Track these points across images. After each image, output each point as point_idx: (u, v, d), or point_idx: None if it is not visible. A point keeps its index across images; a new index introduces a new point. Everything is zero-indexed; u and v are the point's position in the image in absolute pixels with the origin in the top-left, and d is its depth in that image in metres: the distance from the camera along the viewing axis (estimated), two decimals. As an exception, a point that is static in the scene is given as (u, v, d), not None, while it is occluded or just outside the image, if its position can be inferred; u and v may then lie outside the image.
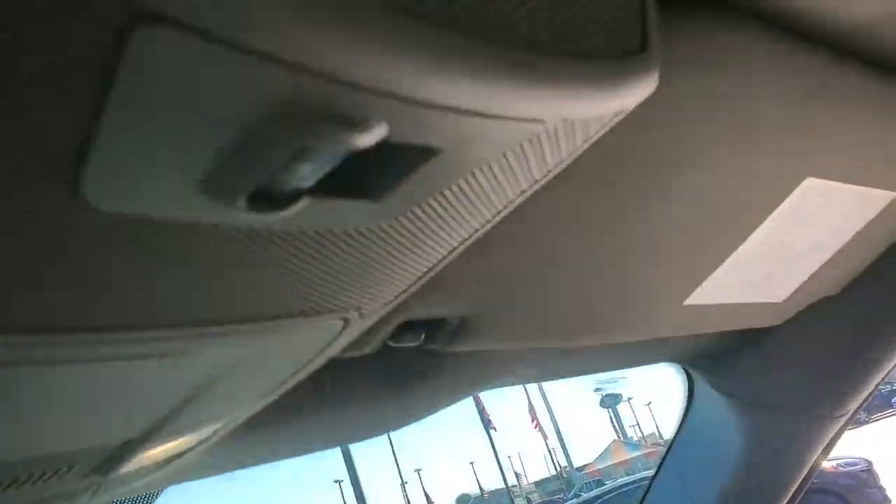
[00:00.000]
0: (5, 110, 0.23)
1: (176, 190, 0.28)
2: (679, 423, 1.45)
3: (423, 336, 0.80)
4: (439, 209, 0.40)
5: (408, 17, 0.27)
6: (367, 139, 0.29)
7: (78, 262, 0.31)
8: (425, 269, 0.50)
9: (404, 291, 0.52)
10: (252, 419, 0.68)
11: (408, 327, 0.78)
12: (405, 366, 0.89)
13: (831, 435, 1.34)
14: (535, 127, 0.35)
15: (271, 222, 0.33)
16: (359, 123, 0.28)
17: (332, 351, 0.55)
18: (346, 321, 0.50)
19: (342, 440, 1.02)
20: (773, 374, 1.25)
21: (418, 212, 0.39)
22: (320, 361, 0.57)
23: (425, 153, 0.33)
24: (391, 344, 0.79)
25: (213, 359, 0.46)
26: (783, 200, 0.79)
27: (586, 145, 0.43)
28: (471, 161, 0.36)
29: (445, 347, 0.82)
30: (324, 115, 0.27)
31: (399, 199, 0.36)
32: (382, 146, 0.34)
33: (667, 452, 1.48)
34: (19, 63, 0.22)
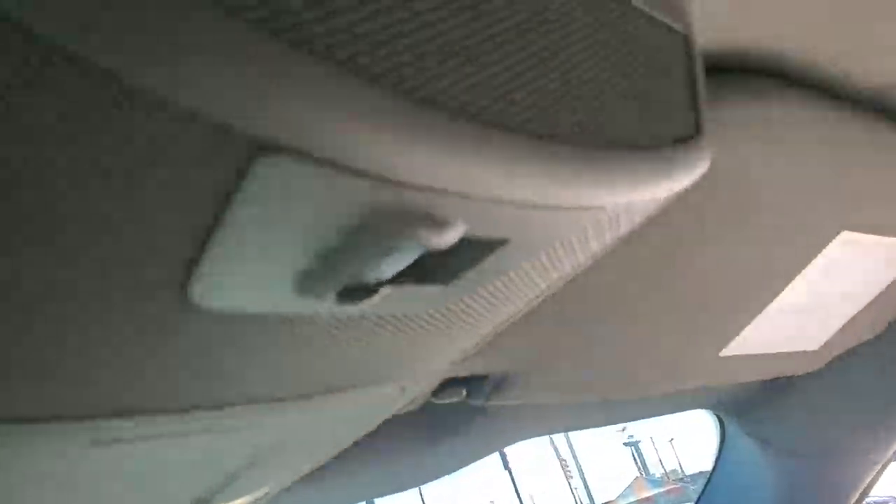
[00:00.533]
0: (133, 232, 0.25)
1: (274, 291, 0.30)
2: (712, 469, 1.44)
3: (465, 392, 0.81)
4: (502, 287, 0.42)
5: (483, 126, 0.29)
6: (448, 239, 0.31)
7: (172, 353, 0.33)
8: (478, 338, 0.52)
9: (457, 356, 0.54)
10: None
11: (450, 383, 0.80)
12: (445, 419, 0.90)
13: (869, 479, 1.32)
14: (598, 213, 0.37)
15: (354, 311, 0.35)
16: (441, 225, 0.30)
17: (388, 415, 0.57)
18: (404, 389, 0.52)
19: (375, 494, 1.03)
20: (808, 420, 1.25)
21: (482, 291, 0.41)
22: (375, 424, 0.58)
23: (494, 244, 0.35)
24: (434, 400, 0.80)
25: (275, 429, 0.48)
26: (818, 254, 0.80)
27: (642, 221, 0.45)
28: (537, 247, 0.37)
29: (487, 402, 0.83)
30: (410, 219, 0.29)
31: (467, 282, 0.38)
32: (456, 248, 0.36)
33: (699, 500, 1.47)
34: (150, 194, 0.24)
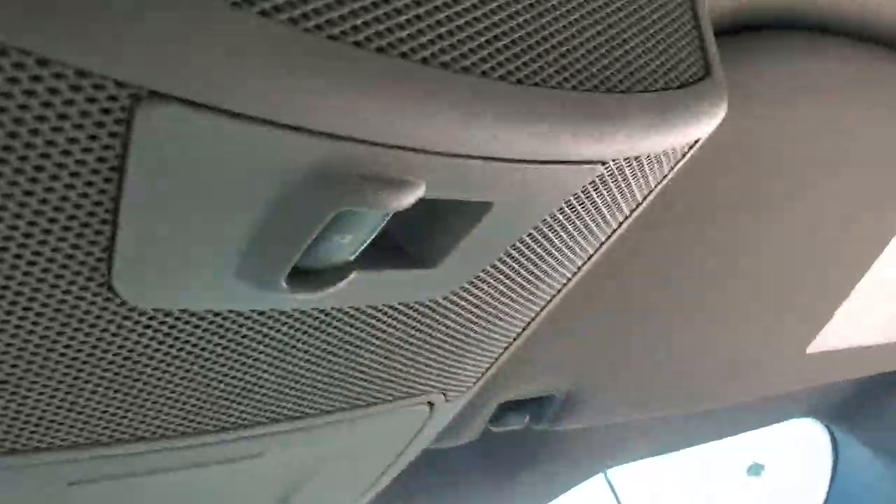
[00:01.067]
0: (28, 214, 0.22)
1: (210, 281, 0.27)
2: (827, 491, 1.31)
3: (527, 417, 0.75)
4: (508, 273, 0.37)
5: (424, 65, 0.25)
6: (402, 200, 0.26)
7: (124, 367, 0.30)
8: (506, 343, 0.47)
9: (490, 368, 0.49)
10: None
11: (509, 408, 0.74)
12: (512, 452, 0.84)
13: None
14: (594, 170, 0.32)
15: (321, 301, 0.31)
16: (394, 184, 0.26)
17: (424, 440, 0.52)
18: (432, 406, 0.47)
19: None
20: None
21: (485, 279, 0.37)
22: (413, 452, 0.54)
23: (476, 211, 0.31)
24: (493, 429, 0.75)
25: (301, 454, 0.44)
26: None
27: (662, 185, 0.39)
28: (528, 214, 0.33)
29: (554, 426, 0.77)
30: (351, 178, 0.25)
31: (458, 265, 0.34)
32: (430, 211, 0.32)
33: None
34: (34, 166, 0.21)
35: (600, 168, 0.33)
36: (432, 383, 0.44)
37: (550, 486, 0.89)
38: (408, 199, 0.27)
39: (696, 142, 0.38)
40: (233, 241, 0.26)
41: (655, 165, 0.37)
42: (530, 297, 0.42)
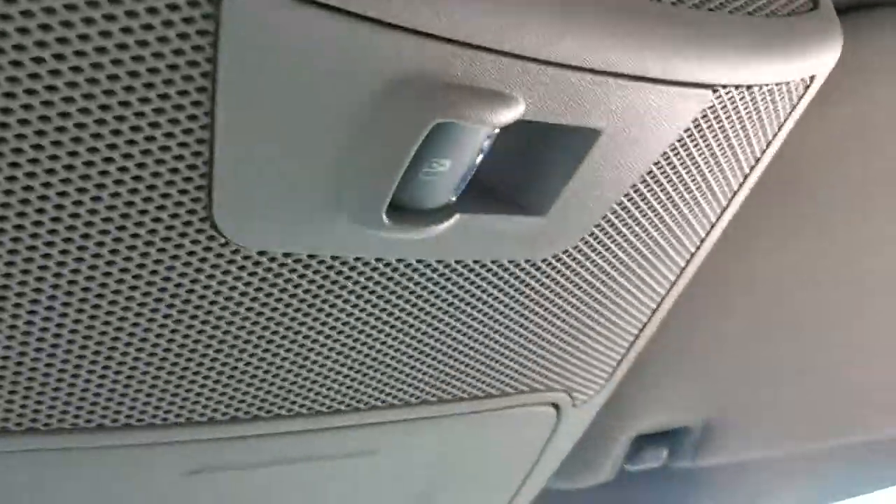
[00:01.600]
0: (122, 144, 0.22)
1: (309, 212, 0.26)
2: None
3: (665, 452, 0.70)
4: (626, 233, 0.35)
5: None
6: (502, 115, 0.25)
7: (230, 316, 0.29)
8: (631, 335, 0.43)
9: (616, 369, 0.46)
10: None
11: (644, 444, 0.69)
12: (653, 494, 0.78)
13: None
14: (704, 96, 0.30)
15: (426, 250, 0.29)
16: (492, 97, 0.25)
17: (556, 451, 0.48)
18: (558, 409, 0.44)
19: None
20: None
21: (603, 240, 0.34)
22: (549, 464, 0.50)
23: (584, 141, 0.29)
24: (629, 468, 0.70)
25: (423, 454, 0.42)
26: None
27: (784, 129, 0.37)
28: (640, 147, 0.31)
29: (697, 462, 0.71)
30: (447, 89, 0.24)
31: (570, 212, 0.32)
32: (534, 150, 0.31)
33: None
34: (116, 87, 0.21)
35: (710, 95, 0.30)
36: (554, 376, 0.41)
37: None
38: (506, 115, 0.25)
39: (812, 80, 0.35)
40: (330, 160, 0.25)
41: (770, 102, 0.34)
42: (654, 269, 0.39)
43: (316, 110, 0.23)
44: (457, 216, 0.29)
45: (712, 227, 0.39)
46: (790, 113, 0.37)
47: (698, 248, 0.40)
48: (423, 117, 0.24)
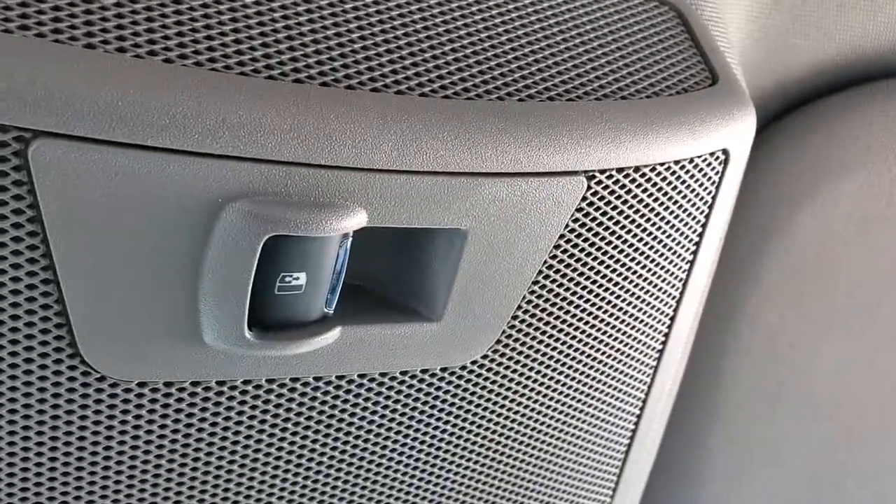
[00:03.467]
0: None
1: (168, 339, 0.26)
2: None
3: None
4: (549, 339, 0.34)
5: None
6: (340, 225, 0.26)
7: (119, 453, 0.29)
8: (621, 449, 0.40)
9: (615, 492, 0.42)
10: None
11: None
12: None
13: None
14: (574, 183, 0.30)
15: (301, 357, 0.29)
16: (324, 209, 0.26)
17: None
18: None
19: None
20: None
21: (524, 339, 0.33)
22: None
23: (456, 243, 0.29)
24: None
25: None
26: None
27: (720, 205, 0.35)
28: (522, 245, 0.30)
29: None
30: (273, 205, 0.25)
31: (468, 317, 0.31)
32: (413, 254, 0.31)
33: None
34: None
35: (579, 181, 0.30)
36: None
37: None
38: (343, 224, 0.26)
39: (727, 153, 0.35)
40: (179, 287, 0.26)
41: (676, 181, 0.33)
42: (622, 364, 0.37)
43: (147, 242, 0.25)
44: (336, 329, 0.29)
45: (676, 309, 0.38)
46: (716, 189, 0.36)
47: (669, 329, 0.38)
48: (252, 234, 0.25)
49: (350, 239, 0.28)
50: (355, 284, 0.31)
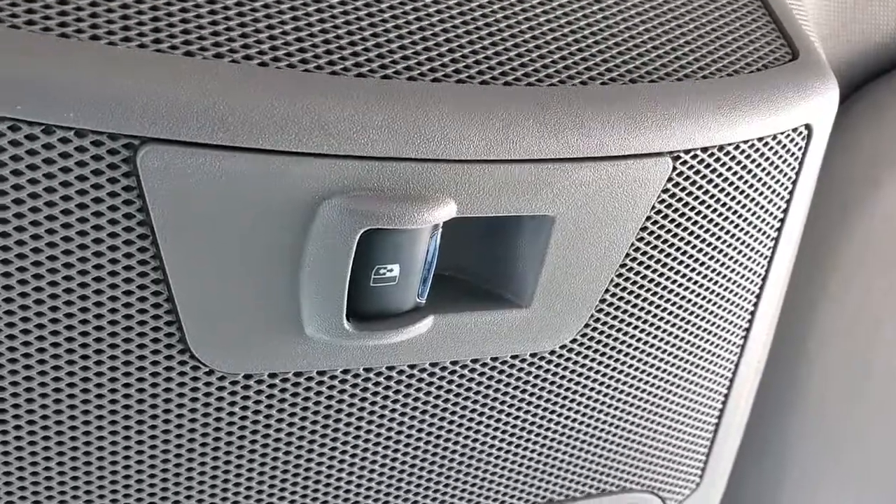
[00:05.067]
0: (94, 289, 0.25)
1: (273, 333, 0.28)
2: None
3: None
4: (637, 322, 0.34)
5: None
6: (432, 217, 0.26)
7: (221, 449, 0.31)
8: (711, 423, 0.40)
9: (707, 463, 0.42)
10: None
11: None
12: None
13: None
14: (660, 164, 0.30)
15: (407, 352, 0.30)
16: (416, 202, 0.26)
17: None
18: None
19: None
20: None
21: (612, 322, 0.33)
22: None
23: (543, 229, 0.30)
24: None
25: None
26: None
27: (803, 180, 0.35)
28: (609, 229, 0.30)
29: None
30: (367, 199, 0.26)
31: (557, 302, 0.31)
32: (500, 241, 0.31)
33: None
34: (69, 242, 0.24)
35: (665, 161, 0.30)
36: (627, 475, 0.39)
37: None
38: (435, 216, 0.26)
39: (810, 129, 0.34)
40: (276, 282, 0.27)
41: (761, 158, 0.33)
42: (707, 342, 0.37)
43: (250, 240, 0.26)
44: (429, 318, 0.29)
45: (761, 288, 0.37)
46: (799, 165, 0.35)
47: (755, 307, 0.38)
48: (349, 229, 0.26)
49: (440, 230, 0.28)
50: (445, 274, 0.31)
